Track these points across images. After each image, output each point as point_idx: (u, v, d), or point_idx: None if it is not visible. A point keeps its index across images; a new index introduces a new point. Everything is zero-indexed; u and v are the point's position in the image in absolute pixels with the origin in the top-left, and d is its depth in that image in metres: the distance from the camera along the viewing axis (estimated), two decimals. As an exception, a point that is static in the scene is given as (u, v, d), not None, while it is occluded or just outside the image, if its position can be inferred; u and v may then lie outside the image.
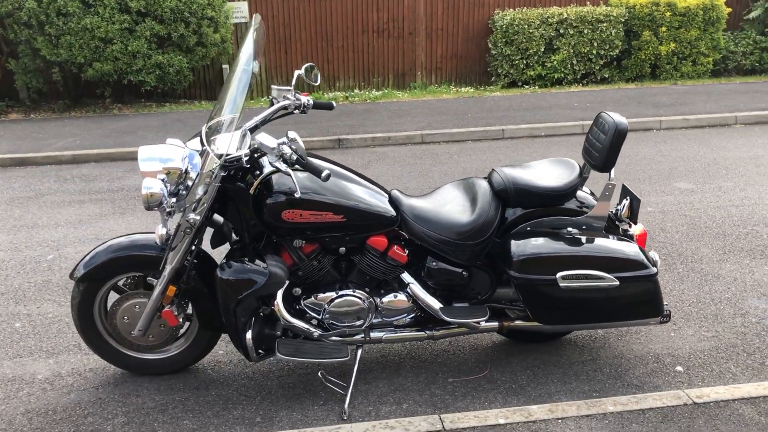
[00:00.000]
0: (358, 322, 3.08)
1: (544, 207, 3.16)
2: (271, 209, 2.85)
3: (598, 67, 10.95)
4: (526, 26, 10.58)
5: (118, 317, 3.16)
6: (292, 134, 2.67)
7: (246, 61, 2.92)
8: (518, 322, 3.20)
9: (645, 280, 2.97)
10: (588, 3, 11.18)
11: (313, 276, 3.06)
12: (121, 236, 3.20)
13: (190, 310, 3.22)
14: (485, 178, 3.31)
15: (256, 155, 2.83)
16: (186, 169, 2.90)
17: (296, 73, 3.28)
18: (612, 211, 3.23)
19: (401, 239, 3.11)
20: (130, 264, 3.11)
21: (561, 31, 10.67)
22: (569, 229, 3.10)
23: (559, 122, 8.47)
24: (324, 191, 2.89)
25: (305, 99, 3.26)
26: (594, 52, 10.79)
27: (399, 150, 7.77)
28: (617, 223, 3.25)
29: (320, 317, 3.07)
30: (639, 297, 3.00)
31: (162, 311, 3.07)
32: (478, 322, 3.09)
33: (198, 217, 2.84)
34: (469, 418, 2.75)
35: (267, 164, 2.92)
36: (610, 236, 3.11)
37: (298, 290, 3.07)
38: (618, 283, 2.93)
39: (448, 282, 3.13)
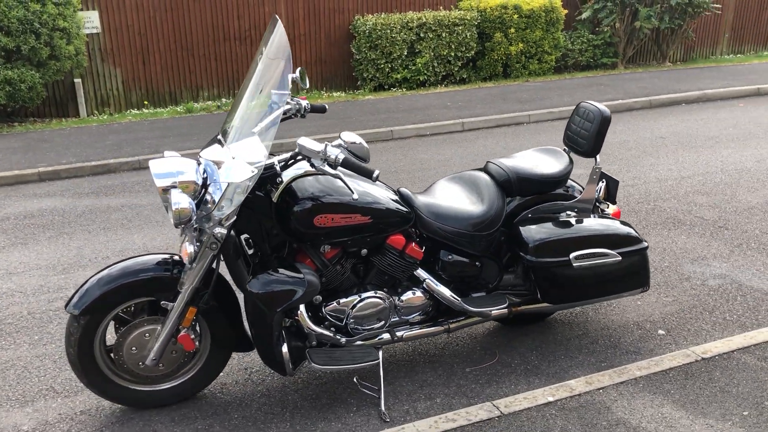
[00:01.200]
0: (379, 324, 3.09)
1: (540, 194, 3.34)
2: (302, 216, 2.78)
3: (456, 68, 11.51)
4: (389, 31, 10.88)
5: (125, 349, 2.91)
6: (348, 135, 2.64)
7: (269, 65, 2.82)
8: (524, 306, 3.35)
9: (639, 254, 3.27)
10: (441, 8, 11.72)
11: (335, 281, 3.02)
12: (119, 261, 2.96)
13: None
14: (480, 170, 3.44)
15: (297, 159, 2.74)
16: (203, 182, 2.74)
17: (290, 76, 3.20)
18: (592, 194, 3.50)
19: (416, 236, 3.15)
20: (135, 290, 2.88)
21: (421, 35, 11.10)
22: (568, 212, 3.31)
23: (441, 121, 8.84)
24: (347, 193, 2.86)
25: (304, 103, 3.20)
26: (452, 54, 11.32)
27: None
28: (597, 204, 3.52)
29: (343, 322, 3.03)
30: (634, 269, 3.28)
31: (178, 336, 2.87)
32: (503, 309, 3.21)
33: (224, 231, 2.70)
34: (520, 401, 2.87)
35: (287, 171, 2.85)
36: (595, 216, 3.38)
37: (319, 298, 3.01)
38: (620, 258, 3.20)
39: (462, 273, 3.22)
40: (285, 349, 2.87)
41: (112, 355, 2.97)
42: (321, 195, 2.80)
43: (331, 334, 2.99)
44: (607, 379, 3.00)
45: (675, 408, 2.81)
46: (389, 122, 8.78)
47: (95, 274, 2.93)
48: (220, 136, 2.94)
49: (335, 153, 2.61)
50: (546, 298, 3.27)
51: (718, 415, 2.75)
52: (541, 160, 3.44)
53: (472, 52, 11.57)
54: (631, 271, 3.30)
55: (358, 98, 10.63)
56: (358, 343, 3.07)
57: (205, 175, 2.77)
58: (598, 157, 3.41)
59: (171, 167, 2.74)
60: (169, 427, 2.94)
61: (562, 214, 3.31)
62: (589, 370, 3.17)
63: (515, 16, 11.41)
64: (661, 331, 3.54)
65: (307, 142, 2.65)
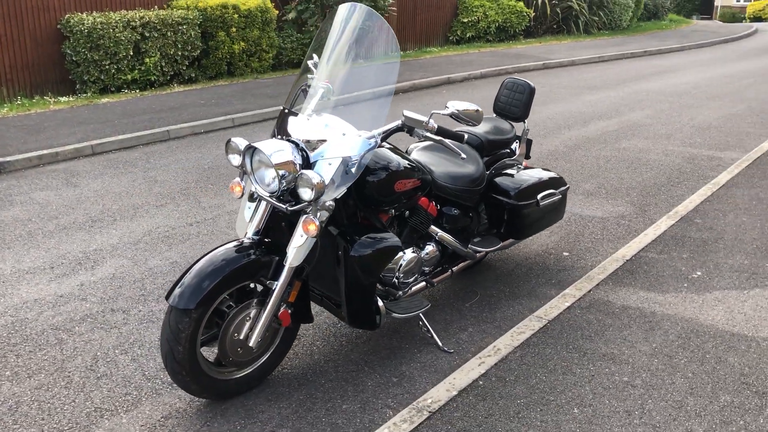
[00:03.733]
0: (413, 277, 3.55)
1: (496, 154, 4.12)
2: (383, 183, 3.12)
3: (184, 68, 11.45)
4: (111, 30, 10.37)
5: (228, 336, 2.93)
6: (456, 104, 3.05)
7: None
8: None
9: (566, 192, 4.26)
10: (156, 6, 11.51)
11: (388, 242, 3.39)
12: (209, 252, 2.94)
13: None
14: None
15: (401, 129, 3.06)
16: (304, 161, 2.93)
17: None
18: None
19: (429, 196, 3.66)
20: (236, 278, 2.91)
21: (146, 34, 10.80)
22: (518, 166, 4.16)
23: (211, 118, 8.90)
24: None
25: None
26: (179, 53, 11.24)
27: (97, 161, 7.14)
28: (519, 158, 4.43)
29: (392, 279, 3.42)
30: (562, 204, 4.27)
31: (279, 313, 3.00)
32: (496, 247, 3.91)
33: (333, 203, 2.94)
34: (552, 308, 3.62)
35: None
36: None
37: None
38: (561, 196, 4.16)
39: (461, 225, 3.84)
40: (381, 302, 3.16)
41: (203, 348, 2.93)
42: (388, 163, 3.16)
43: (394, 290, 3.36)
44: (586, 285, 3.92)
45: (641, 289, 3.84)
46: (159, 123, 8.55)
47: (190, 268, 2.85)
48: (294, 110, 3.07)
49: (432, 122, 3.03)
50: (515, 235, 4.04)
51: (667, 281, 3.86)
52: (496, 125, 4.19)
53: (198, 51, 11.59)
54: (561, 205, 4.27)
55: (97, 102, 9.94)
56: (409, 294, 3.47)
57: (303, 154, 2.92)
58: (526, 121, 4.29)
59: (276, 146, 2.85)
60: (269, 405, 3.00)
61: (514, 168, 4.12)
62: (560, 284, 4.04)
63: (235, 16, 11.76)
64: (565, 253, 4.59)
65: (412, 114, 3.01)
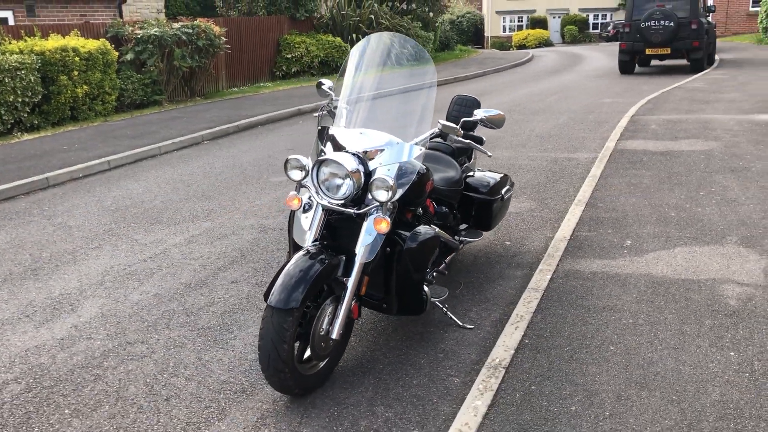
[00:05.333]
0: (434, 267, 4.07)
1: (459, 160, 4.77)
2: (418, 184, 3.64)
3: (25, 114, 10.85)
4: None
5: (316, 332, 3.24)
6: (482, 112, 3.62)
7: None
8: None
9: (512, 188, 5.03)
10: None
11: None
12: (289, 260, 3.22)
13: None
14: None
15: (436, 136, 3.57)
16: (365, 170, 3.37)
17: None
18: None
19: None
20: (321, 279, 3.23)
21: (-19, 80, 10.13)
22: (478, 168, 4.84)
23: (85, 162, 8.64)
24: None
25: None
26: (19, 100, 10.66)
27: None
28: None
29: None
30: (511, 199, 5.02)
31: (351, 306, 3.38)
32: (478, 238, 4.54)
33: (396, 203, 3.41)
34: (540, 281, 4.30)
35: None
36: None
37: None
38: (512, 192, 4.91)
39: (448, 221, 4.43)
40: (427, 288, 3.64)
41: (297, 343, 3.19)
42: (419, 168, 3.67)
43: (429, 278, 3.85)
44: (552, 261, 4.66)
45: (595, 258, 4.65)
46: (33, 171, 8.15)
47: (281, 270, 3.13)
48: (340, 127, 3.47)
49: (460, 130, 3.59)
50: (486, 227, 4.70)
51: (610, 251, 4.71)
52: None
53: (39, 97, 11.04)
54: (510, 199, 5.01)
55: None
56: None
57: (363, 164, 3.34)
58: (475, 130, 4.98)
59: (344, 159, 3.25)
60: (350, 393, 3.32)
61: (473, 170, 4.79)
62: (521, 265, 4.75)
63: (76, 59, 11.37)
64: (507, 242, 5.35)
65: (447, 123, 3.54)
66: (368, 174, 3.31)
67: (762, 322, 3.60)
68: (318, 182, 3.32)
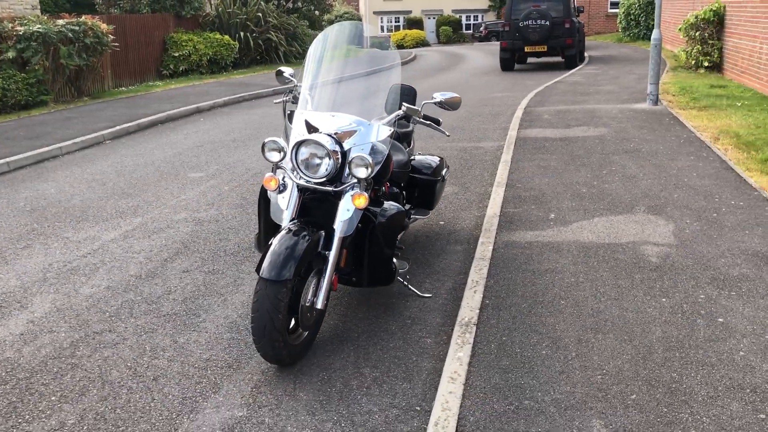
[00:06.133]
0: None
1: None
2: (386, 163, 3.92)
3: None
4: None
5: (302, 303, 3.46)
6: (440, 95, 3.93)
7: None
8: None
9: (448, 170, 5.42)
10: None
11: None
12: (274, 238, 3.39)
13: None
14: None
15: (401, 118, 3.85)
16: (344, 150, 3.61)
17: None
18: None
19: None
20: (308, 253, 3.43)
21: None
22: (419, 152, 5.18)
23: (-15, 164, 8.24)
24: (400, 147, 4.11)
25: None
26: None
27: None
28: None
29: None
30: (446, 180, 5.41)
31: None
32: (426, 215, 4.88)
33: (371, 180, 3.68)
34: (484, 251, 4.69)
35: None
36: None
37: None
38: (448, 174, 5.29)
39: (398, 199, 4.74)
40: (396, 261, 3.92)
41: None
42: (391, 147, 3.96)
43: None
44: (489, 234, 5.07)
45: (527, 230, 5.10)
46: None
47: (270, 244, 3.31)
48: (311, 111, 3.68)
49: (422, 111, 3.90)
50: (429, 206, 5.04)
51: (538, 223, 5.18)
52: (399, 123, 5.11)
53: None
54: (446, 181, 5.39)
55: None
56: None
57: (338, 144, 3.57)
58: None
59: (323, 139, 3.48)
60: (335, 359, 3.54)
61: (415, 154, 5.13)
62: (460, 240, 5.14)
63: (-44, 56, 10.71)
64: (441, 222, 5.73)
65: (410, 106, 3.83)
66: (344, 153, 3.54)
67: (682, 274, 4.15)
68: (297, 162, 3.50)
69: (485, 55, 25.24)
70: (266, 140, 3.55)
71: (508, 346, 3.38)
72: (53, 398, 3.26)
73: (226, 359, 3.56)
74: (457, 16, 51.84)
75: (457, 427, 2.74)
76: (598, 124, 9.30)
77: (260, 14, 21.04)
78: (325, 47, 3.96)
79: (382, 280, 3.83)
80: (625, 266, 4.30)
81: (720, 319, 3.54)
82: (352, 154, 3.48)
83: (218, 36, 19.49)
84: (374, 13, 52.13)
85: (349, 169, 3.45)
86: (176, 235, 5.56)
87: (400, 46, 44.12)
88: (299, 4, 23.19)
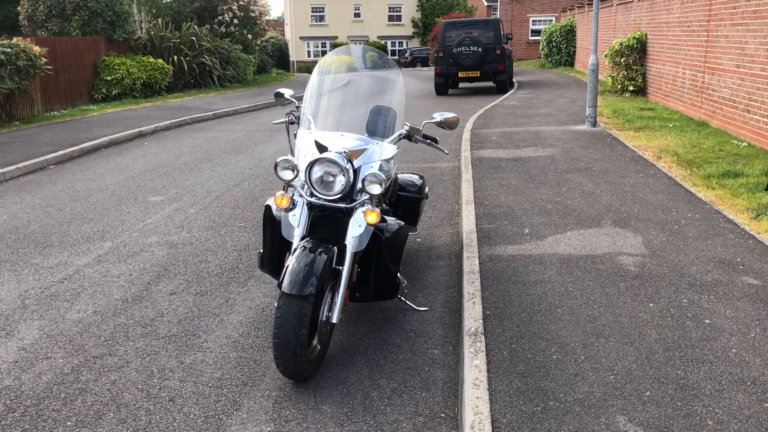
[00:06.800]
0: None
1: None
2: (389, 181, 4.06)
3: None
4: None
5: (320, 318, 3.54)
6: (440, 114, 4.09)
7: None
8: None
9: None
10: None
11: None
12: (294, 251, 3.48)
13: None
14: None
15: (403, 136, 3.99)
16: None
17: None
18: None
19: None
20: (326, 268, 3.51)
21: None
22: (402, 171, 5.34)
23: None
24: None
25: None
26: None
27: None
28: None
29: None
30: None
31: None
32: (414, 231, 5.02)
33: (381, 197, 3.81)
34: (472, 266, 4.86)
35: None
36: None
37: None
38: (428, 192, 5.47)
39: (388, 215, 4.87)
40: (399, 275, 4.03)
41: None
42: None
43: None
44: (472, 249, 5.25)
45: (506, 245, 5.31)
46: None
47: (290, 261, 3.37)
48: (318, 131, 3.78)
49: (424, 129, 4.06)
50: (412, 222, 5.19)
51: (514, 238, 5.40)
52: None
53: None
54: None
55: None
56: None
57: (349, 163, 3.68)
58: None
59: (337, 158, 3.59)
60: (349, 372, 3.61)
61: (398, 172, 5.27)
62: (441, 256, 5.30)
63: None
64: (418, 239, 5.89)
65: (412, 125, 3.97)
66: (355, 171, 3.64)
67: (662, 280, 4.44)
68: (311, 180, 3.58)
69: (416, 80, 25.76)
70: (279, 160, 3.62)
71: (519, 352, 3.54)
72: (69, 423, 3.19)
73: (238, 377, 3.57)
74: (383, 42, 52.75)
75: (492, 429, 2.85)
76: (545, 144, 9.70)
77: (194, 38, 20.84)
78: (327, 69, 4.06)
79: (388, 294, 3.93)
80: (608, 275, 4.55)
81: (707, 321, 3.81)
82: (364, 172, 3.59)
83: (152, 59, 19.19)
84: (300, 38, 52.41)
85: (363, 186, 3.55)
86: (153, 259, 5.49)
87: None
88: (232, 28, 23.10)
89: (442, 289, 4.65)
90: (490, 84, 19.72)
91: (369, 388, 3.43)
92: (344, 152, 3.64)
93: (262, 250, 3.97)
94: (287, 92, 4.32)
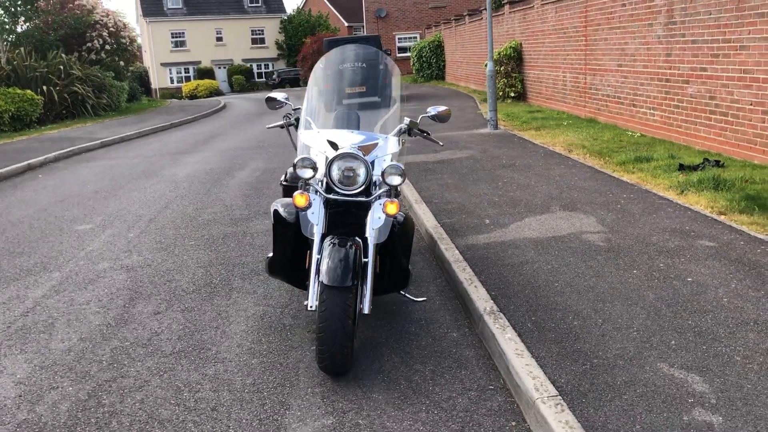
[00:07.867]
0: None
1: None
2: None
3: None
4: None
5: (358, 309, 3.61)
6: (434, 108, 4.24)
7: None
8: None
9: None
10: None
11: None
12: (326, 251, 3.51)
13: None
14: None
15: (404, 131, 4.11)
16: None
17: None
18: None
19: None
20: (358, 261, 3.58)
21: None
22: None
23: None
24: None
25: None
26: None
27: None
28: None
29: None
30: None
31: None
32: None
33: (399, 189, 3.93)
34: (458, 261, 5.05)
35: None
36: None
37: None
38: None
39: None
40: (408, 265, 4.14)
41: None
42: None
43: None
44: (449, 243, 5.44)
45: (476, 234, 5.54)
46: None
47: (322, 257, 3.41)
48: (331, 130, 3.84)
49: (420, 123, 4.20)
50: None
51: (480, 228, 5.65)
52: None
53: None
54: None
55: None
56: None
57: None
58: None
59: (357, 153, 3.68)
60: (383, 362, 3.68)
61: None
62: (417, 252, 5.46)
63: None
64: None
65: (411, 119, 4.11)
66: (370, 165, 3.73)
67: (632, 250, 4.83)
68: (331, 177, 3.62)
69: (295, 99, 25.73)
70: (297, 159, 3.63)
71: (542, 323, 3.75)
72: (112, 445, 3.02)
73: (272, 380, 3.53)
74: (248, 65, 52.28)
75: (555, 387, 3.03)
76: (461, 147, 10.13)
77: (62, 66, 19.75)
78: (323, 69, 4.12)
79: (401, 284, 4.02)
80: (583, 251, 4.89)
81: (689, 279, 4.22)
82: (381, 165, 3.67)
83: (18, 90, 17.99)
84: (162, 64, 50.85)
85: (383, 178, 3.64)
86: (116, 284, 5.24)
87: (193, 96, 43.38)
88: (103, 54, 22.11)
89: (429, 281, 4.79)
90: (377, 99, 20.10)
91: (408, 373, 3.50)
92: (357, 147, 3.71)
93: (271, 255, 3.94)
94: (279, 95, 4.31)
